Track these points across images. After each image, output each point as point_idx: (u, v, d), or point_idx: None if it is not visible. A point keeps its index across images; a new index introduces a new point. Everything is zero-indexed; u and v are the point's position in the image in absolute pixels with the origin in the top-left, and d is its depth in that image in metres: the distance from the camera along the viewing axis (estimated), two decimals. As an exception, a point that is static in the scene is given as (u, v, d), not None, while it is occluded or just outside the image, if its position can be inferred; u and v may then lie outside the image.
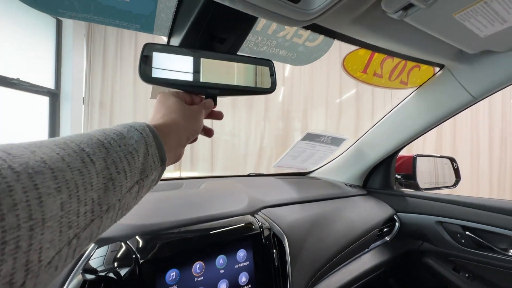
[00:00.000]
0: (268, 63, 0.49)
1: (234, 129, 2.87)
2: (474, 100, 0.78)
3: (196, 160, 2.74)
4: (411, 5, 0.47)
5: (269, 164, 2.89)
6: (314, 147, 1.15)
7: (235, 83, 0.48)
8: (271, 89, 0.49)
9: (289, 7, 0.39)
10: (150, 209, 0.58)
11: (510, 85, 0.73)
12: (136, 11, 0.43)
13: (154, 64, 0.42)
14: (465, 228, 0.89)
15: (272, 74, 0.49)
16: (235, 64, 0.48)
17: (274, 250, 0.61)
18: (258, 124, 2.92)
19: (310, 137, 1.08)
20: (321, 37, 0.64)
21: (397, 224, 1.01)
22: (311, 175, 1.35)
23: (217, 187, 0.82)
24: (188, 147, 0.52)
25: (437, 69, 0.83)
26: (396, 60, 0.74)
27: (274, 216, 0.69)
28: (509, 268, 0.81)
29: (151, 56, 0.41)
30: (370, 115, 3.12)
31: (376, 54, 0.71)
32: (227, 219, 0.60)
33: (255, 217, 0.64)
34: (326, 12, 0.41)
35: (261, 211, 0.70)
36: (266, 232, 0.61)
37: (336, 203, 0.91)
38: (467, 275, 0.91)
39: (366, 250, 0.94)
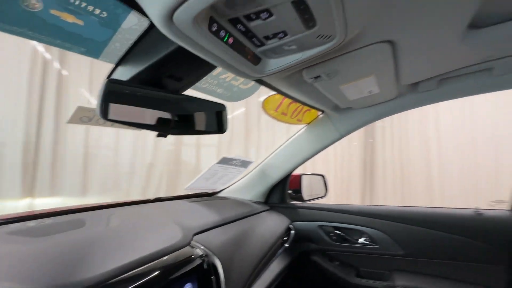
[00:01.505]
0: (221, 106, 0.54)
1: (115, 142, 2.46)
2: (340, 137, 1.13)
3: (58, 181, 2.13)
4: (319, 77, 0.67)
5: (164, 184, 2.70)
6: (227, 169, 1.24)
7: (189, 123, 0.50)
8: (222, 131, 0.55)
9: (250, 65, 0.48)
10: (65, 263, 0.44)
11: (364, 126, 1.11)
12: (87, 36, 0.37)
13: (113, 102, 0.38)
14: (336, 228, 1.22)
15: (224, 118, 0.54)
16: (190, 105, 0.51)
17: (213, 277, 0.63)
18: (145, 138, 2.61)
19: (224, 160, 1.16)
20: (253, 82, 0.76)
21: (292, 231, 1.25)
22: (219, 194, 1.42)
23: (132, 218, 0.74)
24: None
25: (321, 112, 1.14)
26: (298, 104, 0.97)
27: (206, 242, 0.71)
28: (359, 252, 1.19)
29: (112, 94, 0.38)
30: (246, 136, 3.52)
31: (286, 98, 0.90)
32: (166, 257, 0.57)
33: (192, 247, 0.64)
34: (272, 74, 0.53)
35: (193, 239, 0.70)
36: (205, 260, 0.62)
37: (250, 221, 1.03)
38: (337, 262, 1.24)
39: (274, 258, 1.10)
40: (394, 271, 1.13)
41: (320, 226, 1.25)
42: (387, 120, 2.87)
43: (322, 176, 1.58)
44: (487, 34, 0.63)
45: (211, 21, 0.36)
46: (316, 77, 0.67)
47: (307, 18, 0.39)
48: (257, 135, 3.50)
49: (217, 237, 0.76)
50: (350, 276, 1.19)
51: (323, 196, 1.58)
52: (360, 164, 3.01)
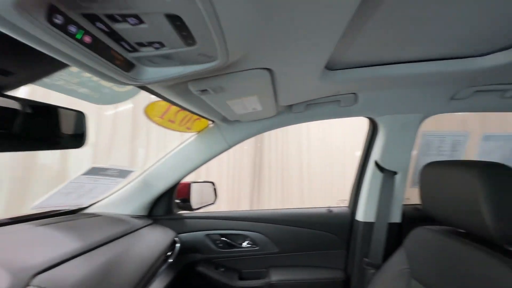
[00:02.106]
0: (79, 115, 0.43)
1: None
2: (229, 147, 1.17)
3: None
4: (206, 91, 0.66)
5: (2, 199, 1.97)
6: (97, 180, 1.03)
7: (25, 136, 0.37)
8: (80, 145, 0.44)
9: (119, 71, 0.41)
10: None
11: (250, 138, 1.18)
12: None
13: None
14: (222, 235, 1.25)
15: (84, 128, 0.44)
16: (32, 110, 0.38)
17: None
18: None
19: (94, 171, 0.96)
20: (131, 86, 0.66)
21: (177, 245, 1.18)
22: (87, 210, 1.17)
23: None
24: None
25: (211, 122, 1.14)
26: (187, 112, 0.93)
27: (54, 284, 0.55)
28: (243, 255, 1.26)
29: None
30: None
31: (173, 106, 0.85)
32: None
33: None
34: (152, 83, 0.47)
35: (32, 282, 0.53)
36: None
37: (125, 241, 0.89)
38: (222, 269, 1.27)
39: (155, 277, 1.00)
40: (270, 267, 1.28)
41: (208, 235, 1.25)
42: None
43: (212, 183, 1.60)
44: (336, 76, 0.80)
45: (52, 10, 0.28)
46: (203, 91, 0.66)
47: (185, 35, 0.37)
48: (146, 136, 3.17)
49: (73, 273, 0.61)
50: (233, 280, 1.25)
51: (212, 203, 1.59)
52: (251, 167, 3.27)
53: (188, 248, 1.23)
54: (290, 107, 1.06)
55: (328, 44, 0.54)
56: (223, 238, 1.26)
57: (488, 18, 0.57)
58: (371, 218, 1.20)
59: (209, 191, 1.58)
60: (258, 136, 3.16)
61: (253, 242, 1.27)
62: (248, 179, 3.23)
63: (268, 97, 0.81)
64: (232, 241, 1.26)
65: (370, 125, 1.24)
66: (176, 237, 1.19)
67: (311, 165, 2.85)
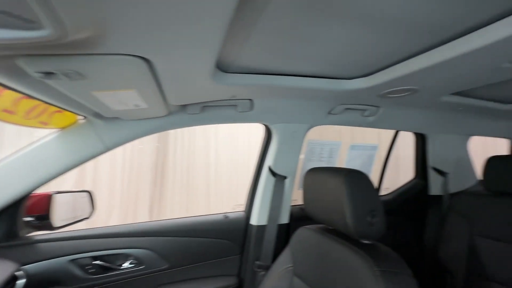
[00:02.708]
0: None
1: None
2: (107, 150, 0.96)
3: None
4: (54, 74, 0.49)
5: None
6: None
7: None
8: None
9: None
10: None
11: (135, 139, 1.01)
12: None
13: None
14: (95, 258, 1.01)
15: None
16: None
17: None
18: None
19: None
20: None
21: (20, 281, 0.87)
22: None
23: None
24: None
25: (82, 117, 0.90)
26: (37, 101, 0.69)
27: None
28: (124, 278, 1.06)
29: None
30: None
31: (7, 91, 0.60)
32: None
33: None
34: None
35: None
36: None
37: None
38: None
39: None
40: (158, 286, 1.13)
41: (73, 260, 0.98)
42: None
43: (88, 192, 1.30)
44: (230, 79, 0.77)
45: None
46: (47, 73, 0.48)
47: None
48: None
49: None
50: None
51: (87, 218, 1.29)
52: (151, 171, 2.93)
53: (41, 283, 0.93)
54: (184, 107, 0.97)
55: (213, 40, 0.49)
56: (96, 262, 1.02)
57: (353, 47, 0.67)
58: (263, 221, 1.25)
59: (83, 203, 1.28)
60: (161, 136, 2.87)
61: (138, 261, 1.09)
62: (147, 185, 2.88)
63: (152, 94, 0.70)
64: (108, 264, 1.04)
65: (265, 132, 1.30)
66: (18, 270, 0.87)
67: (219, 168, 2.81)
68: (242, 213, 1.35)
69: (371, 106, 1.18)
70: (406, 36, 0.61)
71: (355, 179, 0.77)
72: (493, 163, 1.27)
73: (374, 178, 1.67)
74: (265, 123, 1.21)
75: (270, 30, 0.55)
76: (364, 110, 1.21)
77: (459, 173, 1.68)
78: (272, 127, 1.21)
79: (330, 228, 0.93)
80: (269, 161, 1.25)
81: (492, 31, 0.56)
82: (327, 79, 0.89)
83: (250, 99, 1.00)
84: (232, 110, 1.06)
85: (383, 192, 1.71)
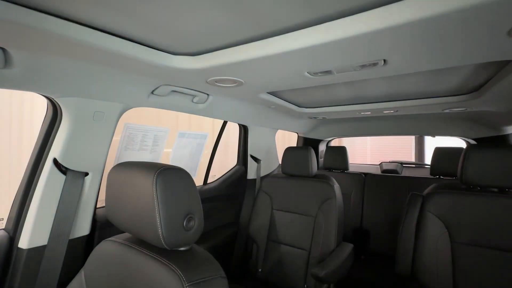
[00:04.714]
0: None
1: None
2: None
3: None
4: None
5: None
6: None
7: None
8: None
9: None
10: None
11: None
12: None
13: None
14: None
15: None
16: None
17: None
18: None
19: None
20: None
21: None
22: None
23: None
24: None
25: None
26: None
27: None
28: None
29: None
30: None
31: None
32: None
33: None
34: None
35: None
36: None
37: None
38: None
39: None
40: None
41: None
42: None
43: None
44: None
45: None
46: None
47: None
48: None
49: None
50: None
51: None
52: None
53: None
54: None
55: None
56: None
57: (185, 14, 0.50)
58: (42, 241, 0.84)
59: None
60: None
61: None
62: None
63: None
64: None
65: (49, 109, 0.86)
66: None
67: None
68: (2, 233, 0.85)
69: (201, 92, 1.09)
70: (239, 18, 0.53)
71: (169, 177, 0.62)
72: (287, 152, 1.60)
73: (202, 167, 1.68)
74: (45, 94, 0.79)
75: None
76: (194, 96, 1.10)
77: (267, 160, 2.04)
78: (60, 102, 0.81)
79: (137, 237, 0.74)
80: (54, 152, 0.85)
81: (299, 37, 0.59)
82: (149, 48, 0.68)
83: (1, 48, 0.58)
84: None
85: (210, 179, 1.74)
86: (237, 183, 1.83)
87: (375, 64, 0.70)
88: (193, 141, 1.48)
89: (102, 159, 0.96)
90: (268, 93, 1.22)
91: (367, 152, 6.28)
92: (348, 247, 1.35)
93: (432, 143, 4.52)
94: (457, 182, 1.28)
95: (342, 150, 2.28)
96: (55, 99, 0.81)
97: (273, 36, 0.63)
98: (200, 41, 0.67)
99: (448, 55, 0.65)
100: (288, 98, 1.42)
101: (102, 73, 0.78)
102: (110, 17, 0.54)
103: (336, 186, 1.44)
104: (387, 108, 1.43)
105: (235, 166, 1.89)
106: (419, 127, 2.05)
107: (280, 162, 2.16)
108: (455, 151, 1.81)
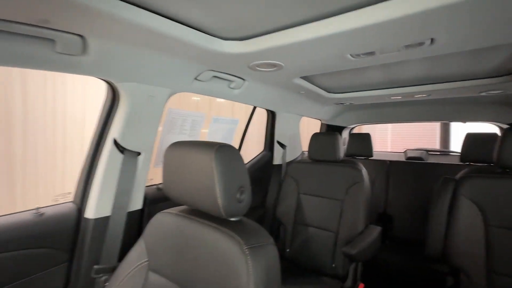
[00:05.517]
0: None
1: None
2: None
3: None
4: None
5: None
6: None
7: None
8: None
9: None
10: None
11: None
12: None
13: None
14: None
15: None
16: None
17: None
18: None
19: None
20: None
21: None
22: None
23: None
24: None
25: None
26: None
27: None
28: None
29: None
30: None
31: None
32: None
33: None
34: None
35: None
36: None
37: None
38: None
39: None
40: None
41: None
42: None
43: None
44: None
45: None
46: None
47: None
48: None
49: None
50: None
51: None
52: None
53: None
54: None
55: None
56: None
57: (235, 3, 0.55)
58: (105, 212, 0.95)
59: None
60: None
61: None
62: None
63: None
64: None
65: (108, 93, 0.95)
66: None
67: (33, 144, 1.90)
68: (71, 205, 0.96)
69: (238, 78, 1.14)
70: (291, 1, 0.56)
71: (226, 154, 0.68)
72: (315, 138, 1.64)
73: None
74: (107, 79, 0.87)
75: None
76: (231, 81, 1.15)
77: (292, 146, 2.09)
78: (119, 87, 0.89)
79: (193, 209, 0.82)
80: (114, 133, 0.94)
81: (347, 19, 0.62)
82: (200, 33, 0.73)
83: (81, 35, 0.65)
84: (48, 49, 0.65)
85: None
86: (263, 168, 1.90)
87: (421, 44, 0.72)
88: (225, 126, 1.55)
89: (152, 140, 1.05)
90: (300, 77, 1.25)
91: (387, 139, 6.16)
92: (376, 229, 1.38)
93: (458, 130, 4.36)
94: (490, 168, 1.27)
95: (366, 137, 2.28)
96: (115, 84, 0.88)
97: (322, 19, 0.66)
98: (250, 26, 0.71)
99: (499, 32, 0.65)
100: (318, 83, 1.44)
101: (155, 60, 0.84)
102: (171, 2, 0.59)
103: (364, 170, 1.47)
104: (420, 92, 1.42)
105: (262, 151, 1.95)
106: (450, 112, 2.00)
107: (303, 149, 2.19)
108: (488, 136, 1.77)
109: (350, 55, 0.82)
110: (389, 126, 6.05)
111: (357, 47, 0.76)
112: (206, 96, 1.25)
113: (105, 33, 0.66)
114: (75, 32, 0.64)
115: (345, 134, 2.72)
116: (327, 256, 1.42)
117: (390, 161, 2.22)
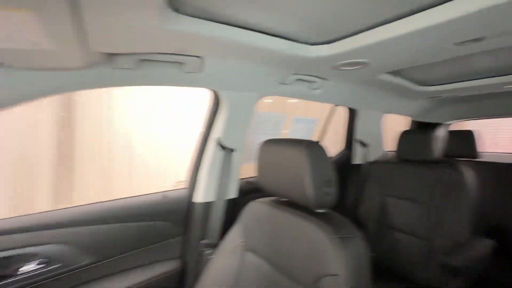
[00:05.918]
0: None
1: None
2: None
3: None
4: None
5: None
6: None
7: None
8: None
9: None
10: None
11: (33, 99, 0.70)
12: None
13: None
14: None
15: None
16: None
17: None
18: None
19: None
20: None
21: None
22: None
23: None
24: None
25: None
26: None
27: None
28: (30, 284, 0.80)
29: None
30: None
31: None
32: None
33: None
34: None
35: None
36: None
37: None
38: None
39: None
40: (80, 285, 0.92)
41: None
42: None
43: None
44: (182, 22, 0.60)
45: None
46: None
47: None
48: None
49: None
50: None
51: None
52: (53, 146, 2.31)
53: None
54: (111, 58, 0.72)
55: None
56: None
57: (323, 6, 0.60)
58: (210, 198, 1.15)
59: None
60: (66, 99, 2.27)
61: (49, 260, 0.84)
62: (48, 163, 2.28)
63: (63, 25, 0.47)
64: (3, 268, 0.76)
65: (213, 99, 1.16)
66: None
67: (150, 140, 2.44)
68: (185, 191, 1.21)
69: (320, 78, 1.18)
70: (374, 2, 0.58)
71: (315, 150, 0.75)
72: (404, 136, 1.51)
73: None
74: (213, 89, 1.06)
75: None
76: (313, 82, 1.21)
77: (375, 145, 1.97)
78: (221, 94, 1.08)
79: (282, 200, 0.91)
80: (217, 133, 1.13)
81: (443, 11, 0.59)
82: (289, 41, 0.82)
83: (200, 57, 0.83)
84: (177, 69, 0.87)
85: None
86: (341, 167, 1.86)
87: None
88: (305, 126, 1.61)
89: (243, 139, 1.21)
90: (386, 73, 1.20)
91: (498, 138, 4.95)
92: (486, 243, 1.19)
93: None
94: None
95: (468, 135, 1.94)
96: (218, 92, 1.08)
97: (410, 15, 0.64)
98: (336, 29, 0.75)
99: None
100: (408, 76, 1.33)
101: (247, 69, 0.99)
102: (266, 19, 0.69)
103: (467, 173, 1.28)
104: None
105: (342, 151, 1.92)
106: None
107: (385, 149, 2.03)
108: None
109: (454, 43, 0.76)
110: (502, 123, 4.84)
111: (462, 35, 0.70)
112: (280, 98, 1.35)
113: (218, 53, 0.82)
114: (197, 55, 0.82)
115: (441, 132, 2.37)
116: (419, 265, 1.30)
117: (502, 164, 1.82)
